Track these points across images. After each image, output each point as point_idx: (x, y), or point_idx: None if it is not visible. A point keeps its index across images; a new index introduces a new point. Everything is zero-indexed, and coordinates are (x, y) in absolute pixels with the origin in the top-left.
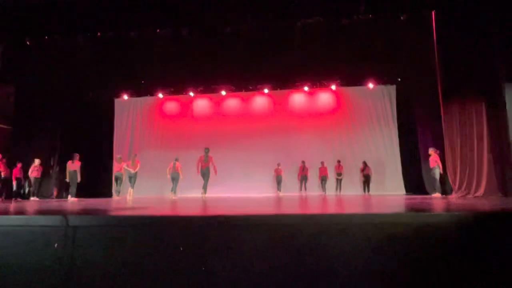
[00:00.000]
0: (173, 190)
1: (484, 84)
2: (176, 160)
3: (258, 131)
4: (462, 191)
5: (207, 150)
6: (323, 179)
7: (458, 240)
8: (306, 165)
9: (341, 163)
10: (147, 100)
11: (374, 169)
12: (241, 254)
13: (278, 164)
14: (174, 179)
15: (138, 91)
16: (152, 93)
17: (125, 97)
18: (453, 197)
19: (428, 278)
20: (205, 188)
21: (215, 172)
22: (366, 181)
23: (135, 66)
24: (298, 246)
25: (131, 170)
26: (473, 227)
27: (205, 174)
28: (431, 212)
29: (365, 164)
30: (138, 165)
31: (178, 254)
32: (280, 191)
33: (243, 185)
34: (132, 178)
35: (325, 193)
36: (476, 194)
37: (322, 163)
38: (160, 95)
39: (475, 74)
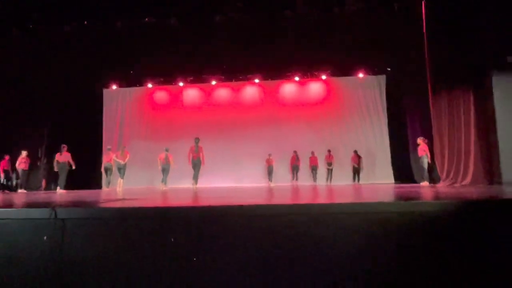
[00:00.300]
0: (164, 181)
1: (472, 74)
2: (167, 150)
3: (249, 121)
4: (450, 179)
5: (197, 140)
6: (313, 169)
7: (446, 228)
8: (298, 155)
9: (331, 153)
10: (136, 90)
11: (364, 158)
12: (233, 245)
13: (269, 155)
14: (165, 170)
15: (127, 81)
16: (141, 83)
17: (114, 87)
18: (441, 186)
19: (417, 264)
20: (196, 178)
21: (203, 162)
22: (356, 170)
23: (124, 56)
24: (290, 236)
25: (120, 161)
26: (460, 215)
27: (196, 165)
28: (418, 200)
29: (356, 153)
30: (128, 156)
31: (169, 245)
32: (271, 181)
33: (234, 175)
34: (122, 169)
35: (316, 182)
36: (463, 183)
37: (312, 152)
38: (150, 85)
39: (463, 64)
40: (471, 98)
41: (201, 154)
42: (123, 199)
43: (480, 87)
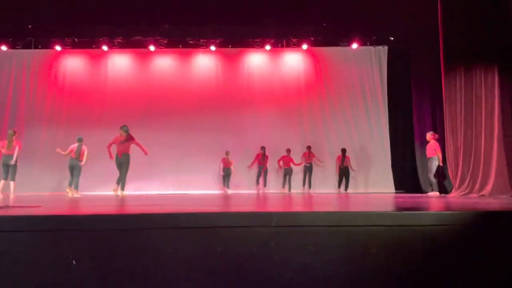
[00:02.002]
0: (72, 184)
1: (497, 47)
2: (80, 140)
3: (199, 105)
4: (465, 188)
5: (125, 128)
6: (287, 173)
7: (452, 247)
8: (266, 152)
9: (311, 151)
10: (37, 54)
11: (355, 159)
12: (163, 266)
13: (227, 153)
14: (75, 168)
15: (24, 41)
16: (46, 44)
17: (4, 48)
18: (453, 196)
19: None
20: (121, 182)
21: (145, 152)
22: (344, 174)
23: (20, 4)
24: (243, 255)
25: (10, 154)
26: (474, 231)
27: (122, 163)
28: (418, 211)
29: (344, 152)
30: (18, 148)
31: (72, 269)
32: (228, 187)
33: (178, 179)
34: (11, 167)
35: (289, 190)
36: (482, 193)
37: (287, 151)
38: (58, 48)
39: (485, 35)
40: (496, 79)
41: (137, 145)
42: (6, 206)
43: (507, 65)
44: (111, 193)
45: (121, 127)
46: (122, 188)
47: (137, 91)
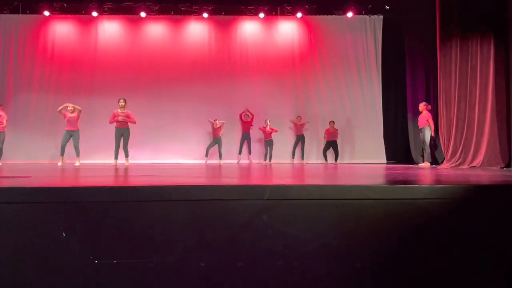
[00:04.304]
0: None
1: (495, 19)
2: (68, 107)
3: (191, 73)
4: (456, 160)
5: (123, 101)
6: (268, 144)
7: (447, 221)
8: (251, 114)
9: (302, 120)
10: (25, 19)
11: (348, 129)
12: (152, 240)
13: (215, 121)
14: (73, 136)
15: (11, 5)
16: (34, 9)
17: None
18: (444, 167)
19: (405, 269)
20: (125, 152)
21: (133, 120)
22: (333, 147)
23: None
24: (233, 227)
25: None
26: (465, 203)
27: (123, 132)
28: (409, 184)
29: (332, 124)
30: (4, 120)
31: (62, 242)
32: (220, 158)
33: (169, 149)
34: None
35: (269, 161)
36: (473, 164)
37: (266, 122)
38: (46, 13)
39: (484, 5)
40: (491, 49)
41: (128, 119)
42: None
43: (503, 35)
44: (105, 162)
45: (120, 100)
46: (126, 155)
47: (127, 59)
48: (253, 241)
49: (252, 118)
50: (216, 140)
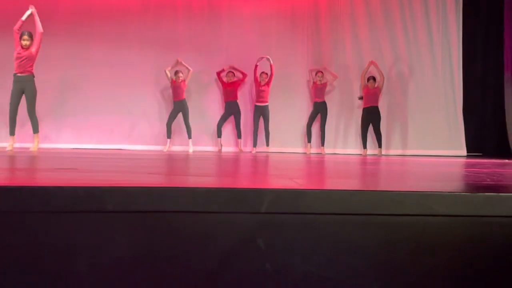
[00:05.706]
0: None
1: None
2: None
3: (156, 13)
4: None
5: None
6: (261, 112)
7: None
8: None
9: (326, 77)
10: None
11: (403, 98)
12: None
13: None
14: None
15: None
16: None
17: None
18: None
19: None
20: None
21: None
22: (373, 119)
23: None
24: (209, 259)
25: None
26: None
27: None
28: (500, 192)
29: (373, 83)
30: None
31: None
32: (190, 136)
33: (108, 127)
34: None
35: (266, 145)
36: None
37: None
38: None
39: None
40: None
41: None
42: None
43: None
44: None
45: None
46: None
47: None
48: (240, 286)
49: (243, 79)
50: (177, 106)
